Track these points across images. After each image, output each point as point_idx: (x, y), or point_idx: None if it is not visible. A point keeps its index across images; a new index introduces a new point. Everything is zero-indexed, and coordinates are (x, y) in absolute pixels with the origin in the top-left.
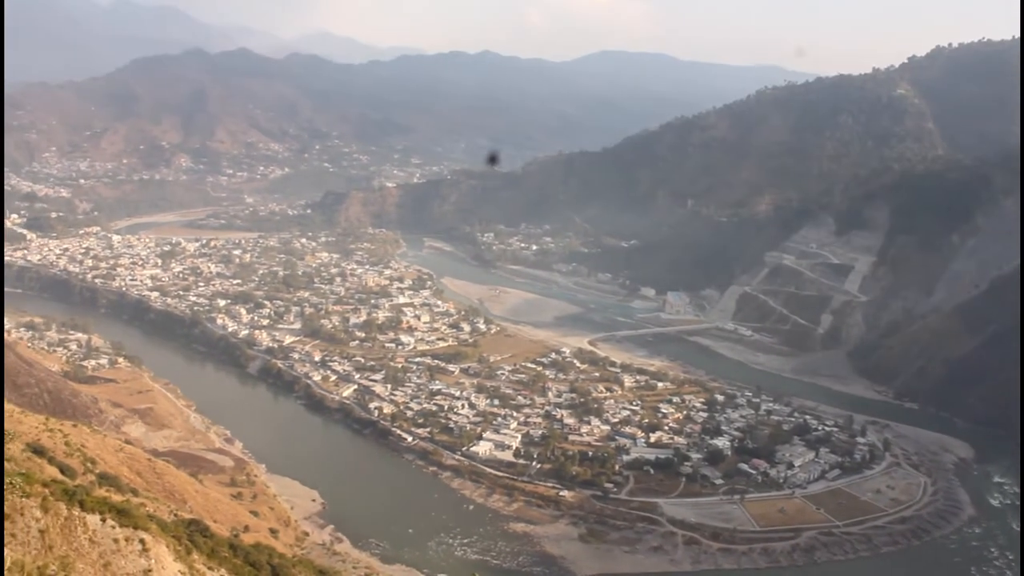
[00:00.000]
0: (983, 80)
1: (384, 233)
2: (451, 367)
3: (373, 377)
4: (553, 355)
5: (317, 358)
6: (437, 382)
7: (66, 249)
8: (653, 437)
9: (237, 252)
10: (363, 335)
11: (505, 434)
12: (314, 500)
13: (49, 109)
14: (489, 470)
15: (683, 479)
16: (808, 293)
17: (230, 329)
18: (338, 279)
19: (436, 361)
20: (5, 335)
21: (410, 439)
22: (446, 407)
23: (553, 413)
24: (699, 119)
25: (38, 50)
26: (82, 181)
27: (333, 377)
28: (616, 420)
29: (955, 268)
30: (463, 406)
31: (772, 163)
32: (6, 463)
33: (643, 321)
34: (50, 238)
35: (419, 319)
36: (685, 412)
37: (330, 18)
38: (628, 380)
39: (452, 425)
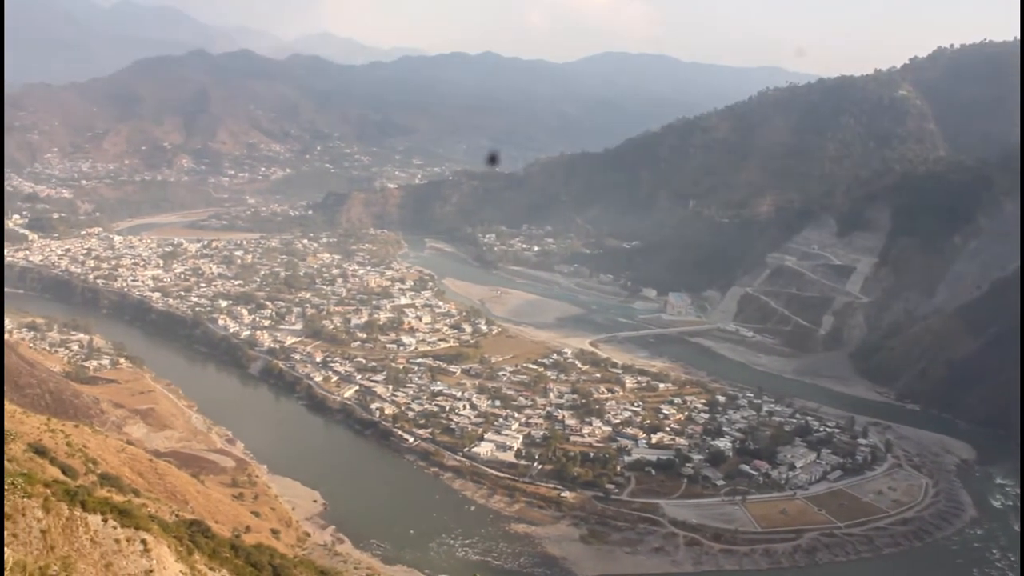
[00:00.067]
0: (985, 81)
1: (385, 234)
2: (453, 368)
3: (375, 378)
4: (555, 356)
5: (319, 359)
6: (439, 383)
7: (68, 250)
8: (655, 438)
9: (239, 253)
10: (365, 336)
11: (506, 435)
12: (315, 501)
13: (51, 110)
14: (490, 471)
15: (685, 480)
16: (810, 294)
17: (232, 330)
18: (340, 280)
19: (438, 362)
20: (7, 336)
21: (411, 440)
22: (447, 408)
23: (555, 414)
24: (701, 120)
25: (39, 51)
26: (84, 182)
27: (334, 378)
28: (618, 421)
29: (957, 269)
30: (464, 407)
31: (774, 164)
32: (8, 463)
33: (644, 322)
34: (52, 239)
35: (420, 320)
36: (687, 413)
37: (331, 19)
38: (629, 381)
39: (453, 426)
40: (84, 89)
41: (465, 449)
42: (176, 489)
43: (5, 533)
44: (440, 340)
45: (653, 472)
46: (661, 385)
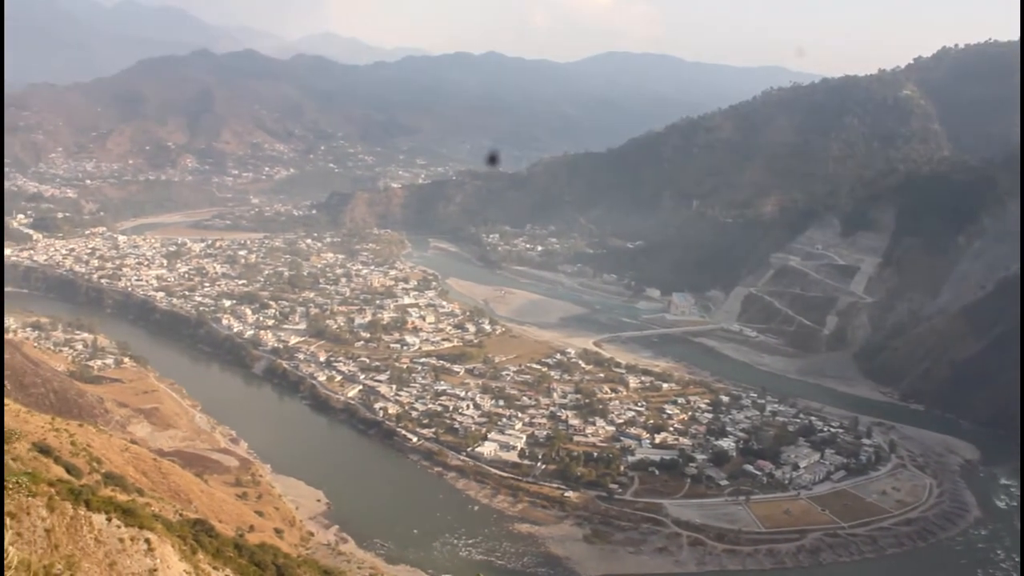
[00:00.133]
0: (989, 81)
1: (389, 234)
2: (456, 368)
3: (378, 377)
4: (558, 356)
5: (322, 358)
6: (442, 383)
7: (72, 249)
8: (658, 438)
9: (243, 253)
10: (368, 335)
11: (510, 435)
12: (319, 500)
13: (55, 110)
14: (494, 471)
15: (688, 480)
16: (813, 294)
17: (235, 329)
18: (343, 279)
19: (441, 362)
20: (12, 335)
21: (415, 439)
22: (451, 408)
23: (558, 414)
24: (704, 120)
25: (42, 51)
26: (88, 182)
27: (338, 377)
28: (621, 421)
29: (961, 269)
30: (468, 407)
31: (777, 164)
32: (12, 462)
33: (648, 322)
34: (56, 238)
35: (424, 320)
36: (690, 413)
37: (335, 19)
38: (633, 381)
39: (457, 426)
40: (88, 89)
41: (469, 449)
42: (180, 488)
43: (10, 532)
44: (444, 340)
45: (657, 472)
46: (665, 385)
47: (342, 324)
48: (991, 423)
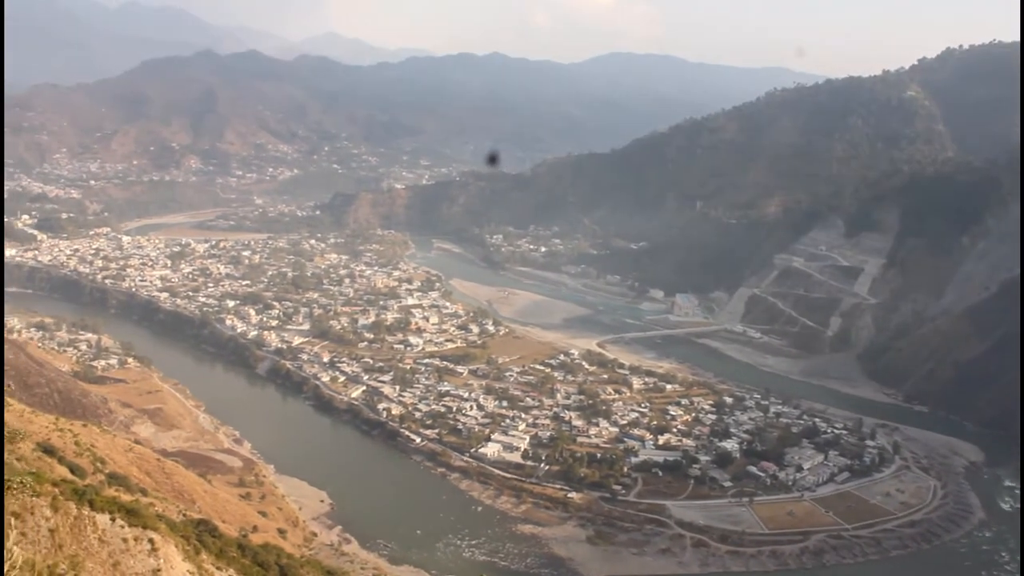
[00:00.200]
0: (993, 82)
1: (393, 235)
2: (460, 368)
3: (382, 378)
4: (562, 357)
5: (326, 359)
6: (446, 383)
7: (76, 250)
8: (661, 439)
9: (246, 253)
10: (372, 336)
11: (513, 436)
12: (322, 501)
13: (60, 111)
14: (497, 471)
15: (691, 481)
16: (817, 295)
17: (239, 330)
18: (347, 280)
19: (445, 362)
20: (16, 335)
21: (418, 440)
22: (454, 408)
23: (561, 415)
24: (708, 121)
25: (45, 52)
26: (92, 182)
27: (342, 378)
28: (624, 422)
29: (965, 270)
30: (471, 407)
31: (781, 165)
32: (17, 462)
33: (652, 323)
34: (60, 239)
35: (428, 320)
36: (694, 414)
37: (338, 20)
38: (636, 382)
39: (460, 426)
40: (92, 90)
41: (472, 450)
42: (183, 488)
43: (14, 532)
44: (447, 341)
45: (660, 473)
46: (668, 386)
47: (346, 325)
48: (995, 424)
